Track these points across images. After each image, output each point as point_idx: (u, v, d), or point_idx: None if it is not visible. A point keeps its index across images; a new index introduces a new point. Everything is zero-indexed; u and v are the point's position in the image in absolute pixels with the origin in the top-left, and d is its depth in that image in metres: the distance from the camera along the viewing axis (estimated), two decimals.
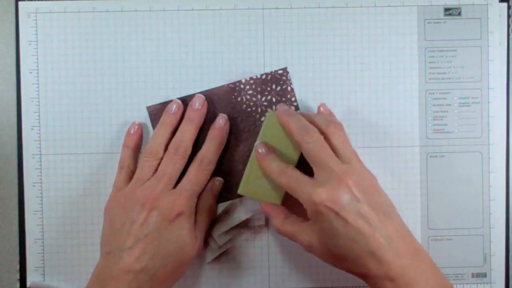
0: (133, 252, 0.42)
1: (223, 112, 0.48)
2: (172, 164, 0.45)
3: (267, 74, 0.49)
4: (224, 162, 0.49)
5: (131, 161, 0.48)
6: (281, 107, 0.45)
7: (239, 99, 0.49)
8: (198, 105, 0.47)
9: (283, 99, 0.49)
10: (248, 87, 0.49)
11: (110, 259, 0.42)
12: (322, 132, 0.43)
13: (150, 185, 0.44)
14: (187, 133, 0.46)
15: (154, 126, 0.48)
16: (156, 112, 0.48)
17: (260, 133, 0.46)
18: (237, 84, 0.49)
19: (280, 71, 0.49)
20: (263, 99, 0.49)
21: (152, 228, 0.43)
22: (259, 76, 0.49)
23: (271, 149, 0.45)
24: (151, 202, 0.43)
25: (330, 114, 0.48)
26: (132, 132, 0.48)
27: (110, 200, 0.46)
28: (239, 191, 0.46)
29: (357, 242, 0.39)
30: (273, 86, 0.49)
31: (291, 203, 0.44)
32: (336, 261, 0.42)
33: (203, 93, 0.49)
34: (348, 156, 0.42)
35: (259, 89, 0.49)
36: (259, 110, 0.49)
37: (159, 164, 0.46)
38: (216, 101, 0.49)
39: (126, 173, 0.47)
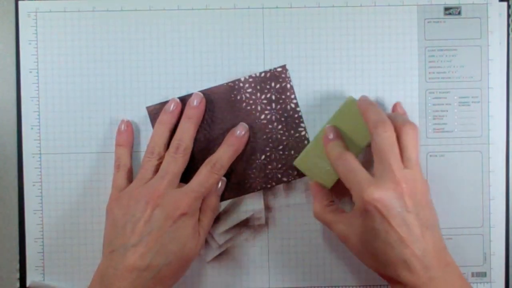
0: (138, 249, 0.42)
1: (223, 110, 0.48)
2: (174, 163, 0.45)
3: (266, 72, 0.49)
4: None
5: (126, 159, 0.48)
6: (365, 96, 0.46)
7: (238, 97, 0.49)
8: (196, 103, 0.47)
9: (283, 96, 0.49)
10: (247, 85, 0.49)
11: (113, 258, 0.42)
12: (396, 129, 0.43)
13: (154, 183, 0.44)
14: (187, 131, 0.46)
15: (154, 126, 0.48)
16: (156, 112, 0.48)
17: (333, 115, 0.47)
18: (236, 82, 0.49)
19: (279, 69, 0.49)
20: (263, 97, 0.49)
21: (156, 225, 0.43)
22: (258, 74, 0.49)
23: (339, 135, 0.45)
24: (155, 199, 0.43)
25: (405, 113, 0.48)
26: (122, 129, 0.48)
27: (112, 200, 0.46)
28: (295, 163, 0.47)
29: (394, 248, 0.40)
30: (272, 84, 0.49)
31: (339, 190, 0.46)
32: (367, 259, 0.42)
33: (202, 92, 0.49)
34: (412, 161, 0.42)
35: (258, 87, 0.49)
36: (259, 108, 0.49)
37: (160, 162, 0.46)
38: (216, 100, 0.49)
39: (123, 171, 0.47)
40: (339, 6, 0.49)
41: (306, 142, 0.49)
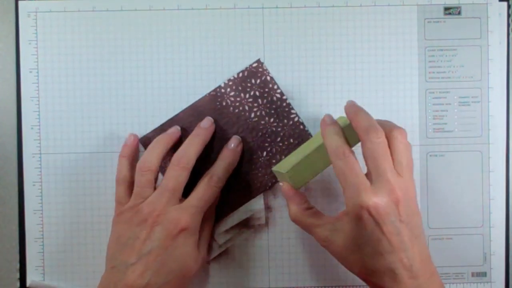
0: (137, 268, 0.42)
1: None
2: (174, 177, 0.44)
3: (243, 71, 0.49)
4: None
5: (127, 172, 0.47)
6: (351, 101, 0.44)
7: (224, 103, 0.49)
8: (207, 125, 0.47)
9: (266, 89, 0.49)
10: (228, 89, 0.49)
11: (114, 274, 0.42)
12: (385, 135, 0.42)
13: (154, 200, 0.44)
14: (193, 146, 0.46)
15: None
16: (149, 142, 0.48)
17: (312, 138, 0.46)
18: (218, 90, 0.49)
19: (255, 64, 0.49)
20: (247, 96, 0.49)
21: (156, 244, 0.42)
22: (236, 76, 0.49)
23: (336, 122, 0.44)
24: (154, 218, 0.43)
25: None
26: (128, 143, 0.48)
27: (117, 214, 0.46)
28: (273, 168, 0.47)
29: (383, 256, 0.39)
30: (253, 81, 0.49)
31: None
32: (351, 265, 0.42)
33: (188, 108, 0.48)
34: (403, 167, 0.41)
35: (240, 88, 0.49)
36: (246, 107, 0.49)
37: (156, 177, 0.46)
38: (203, 112, 0.49)
39: (123, 185, 0.47)
40: (339, 6, 0.49)
41: (301, 126, 0.49)
